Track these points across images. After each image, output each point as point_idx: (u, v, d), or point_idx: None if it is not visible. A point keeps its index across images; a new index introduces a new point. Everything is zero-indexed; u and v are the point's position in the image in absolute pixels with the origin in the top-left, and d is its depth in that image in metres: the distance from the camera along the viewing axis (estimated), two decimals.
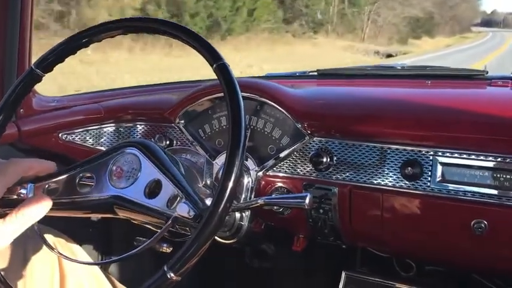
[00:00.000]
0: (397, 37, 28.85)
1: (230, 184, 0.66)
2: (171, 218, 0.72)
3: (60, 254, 0.83)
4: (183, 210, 0.71)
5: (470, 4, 56.18)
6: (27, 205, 0.67)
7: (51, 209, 0.76)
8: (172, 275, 0.64)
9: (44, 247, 0.95)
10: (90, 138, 1.32)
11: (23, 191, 0.76)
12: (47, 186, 0.78)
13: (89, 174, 0.80)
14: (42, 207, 0.68)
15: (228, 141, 0.69)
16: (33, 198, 0.70)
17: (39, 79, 0.81)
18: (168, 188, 0.75)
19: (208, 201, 0.73)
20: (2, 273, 0.73)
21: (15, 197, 0.75)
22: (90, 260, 1.15)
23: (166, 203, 0.74)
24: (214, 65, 0.73)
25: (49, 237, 0.94)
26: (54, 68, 0.82)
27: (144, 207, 0.75)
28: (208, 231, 0.65)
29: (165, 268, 0.64)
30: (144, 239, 1.20)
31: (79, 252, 1.05)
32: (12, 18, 1.21)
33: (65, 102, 1.38)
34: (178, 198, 0.73)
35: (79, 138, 1.32)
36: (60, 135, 1.32)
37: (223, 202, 0.65)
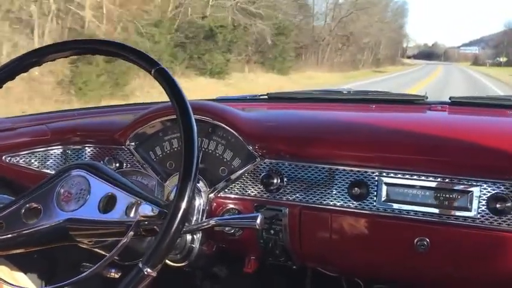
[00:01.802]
0: None
1: (188, 189, 0.67)
2: (133, 224, 0.71)
3: (2, 279, 0.79)
4: (145, 210, 0.71)
5: (386, 27, 40.09)
6: None
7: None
8: (148, 270, 0.65)
9: None
10: (35, 161, 1.27)
11: None
12: None
13: (34, 204, 0.78)
14: None
15: (182, 152, 0.70)
16: None
17: None
18: (123, 199, 0.74)
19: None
20: None
21: None
22: (34, 287, 1.11)
23: (125, 213, 0.73)
24: (153, 71, 0.74)
25: None
26: None
27: (103, 222, 0.74)
28: (177, 223, 0.66)
29: (140, 265, 0.65)
30: (90, 265, 1.16)
31: (22, 279, 1.01)
32: None
33: (9, 124, 1.34)
34: (136, 204, 0.73)
35: (24, 161, 1.27)
36: (3, 157, 1.27)
37: (185, 200, 0.67)
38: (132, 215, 0.73)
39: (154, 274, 0.65)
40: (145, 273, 0.65)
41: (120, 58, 0.77)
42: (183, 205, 0.67)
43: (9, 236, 0.76)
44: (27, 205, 0.77)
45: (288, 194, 1.05)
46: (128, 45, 0.77)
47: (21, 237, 0.77)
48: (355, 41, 32.49)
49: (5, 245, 0.76)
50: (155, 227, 0.73)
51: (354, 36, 31.63)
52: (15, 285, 0.83)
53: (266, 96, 1.51)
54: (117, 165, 1.18)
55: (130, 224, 0.72)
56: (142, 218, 0.72)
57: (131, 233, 0.72)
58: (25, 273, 1.04)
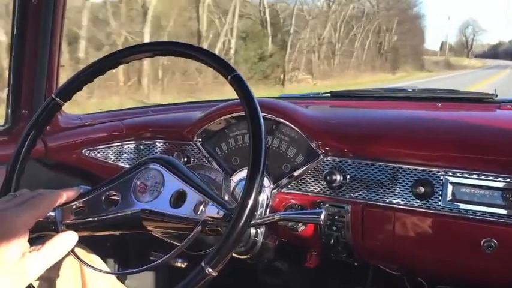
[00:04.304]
0: None
1: (254, 189, 0.70)
2: (200, 222, 0.75)
3: (84, 262, 0.86)
4: (212, 212, 0.75)
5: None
6: (55, 242, 0.70)
7: (80, 230, 0.79)
8: (210, 270, 0.68)
9: (67, 259, 0.99)
10: (111, 154, 1.36)
11: (52, 213, 0.80)
12: (74, 207, 0.82)
13: (114, 192, 0.83)
14: (68, 243, 0.72)
15: (250, 156, 0.73)
16: (60, 234, 0.73)
17: (59, 107, 0.87)
18: (193, 196, 0.78)
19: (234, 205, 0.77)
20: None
21: (42, 219, 0.77)
22: (109, 270, 1.19)
23: (193, 210, 0.77)
24: (229, 77, 0.77)
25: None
26: None
27: (173, 216, 0.78)
28: (239, 228, 0.69)
29: (203, 264, 0.68)
30: (159, 254, 1.23)
31: (99, 262, 1.08)
32: (43, 41, 1.29)
33: (89, 120, 1.44)
34: (204, 203, 0.77)
35: (101, 154, 1.37)
36: (83, 151, 1.37)
37: (249, 205, 0.70)
38: (199, 213, 0.77)
39: (215, 274, 0.68)
40: (207, 272, 0.68)
41: (200, 62, 0.81)
42: (250, 202, 0.70)
43: (90, 219, 0.82)
44: (107, 193, 0.83)
45: (350, 191, 1.05)
46: (210, 50, 0.81)
47: (100, 222, 0.82)
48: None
49: (86, 227, 0.82)
50: (220, 228, 0.77)
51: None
52: (93, 267, 0.90)
53: (329, 94, 1.52)
54: (185, 160, 1.24)
55: (197, 222, 0.76)
56: (209, 218, 0.75)
57: (198, 228, 0.76)
58: (101, 259, 1.12)
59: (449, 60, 43.46)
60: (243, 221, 0.69)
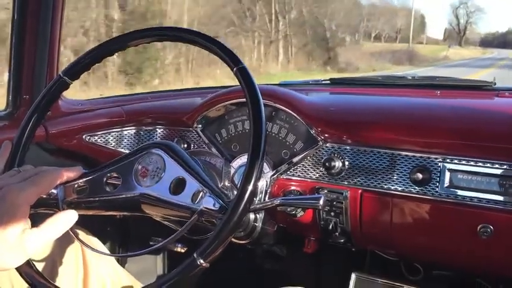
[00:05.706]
0: None
1: (253, 176, 0.71)
2: (196, 212, 0.76)
3: (86, 245, 0.87)
4: (208, 203, 0.76)
5: None
6: (55, 220, 0.71)
7: (81, 208, 0.80)
8: (201, 261, 0.68)
9: (69, 242, 1.00)
10: (112, 140, 1.37)
11: (54, 190, 0.80)
12: (76, 186, 0.82)
13: (115, 174, 0.84)
14: (68, 221, 0.72)
15: (250, 143, 0.73)
16: (61, 213, 0.73)
17: (67, 86, 0.87)
18: (192, 185, 0.79)
19: (231, 196, 0.77)
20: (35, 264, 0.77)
21: (45, 196, 0.78)
22: (109, 253, 1.20)
23: (191, 198, 0.78)
24: (235, 69, 0.77)
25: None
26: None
27: (170, 203, 0.79)
28: (234, 221, 0.70)
29: (195, 255, 0.69)
30: (159, 238, 1.25)
31: (100, 246, 1.10)
32: (43, 27, 1.30)
33: (89, 105, 1.45)
34: (202, 193, 0.77)
35: (101, 140, 1.37)
36: (84, 136, 1.38)
37: (247, 194, 0.70)
38: (197, 202, 0.77)
39: (206, 265, 0.69)
40: (198, 263, 0.68)
41: (207, 50, 0.81)
42: (250, 187, 0.70)
43: (91, 199, 0.82)
44: (109, 174, 0.84)
45: (349, 177, 1.07)
46: (218, 40, 0.81)
47: (101, 202, 0.83)
48: None
49: (87, 207, 0.83)
50: (215, 220, 0.77)
51: None
52: (94, 249, 0.91)
53: (328, 81, 1.53)
54: (185, 146, 1.25)
55: (194, 211, 0.76)
56: (205, 209, 0.76)
57: (195, 217, 0.76)
58: (102, 242, 1.14)
59: (413, 51, 30.07)
60: (238, 213, 0.70)
